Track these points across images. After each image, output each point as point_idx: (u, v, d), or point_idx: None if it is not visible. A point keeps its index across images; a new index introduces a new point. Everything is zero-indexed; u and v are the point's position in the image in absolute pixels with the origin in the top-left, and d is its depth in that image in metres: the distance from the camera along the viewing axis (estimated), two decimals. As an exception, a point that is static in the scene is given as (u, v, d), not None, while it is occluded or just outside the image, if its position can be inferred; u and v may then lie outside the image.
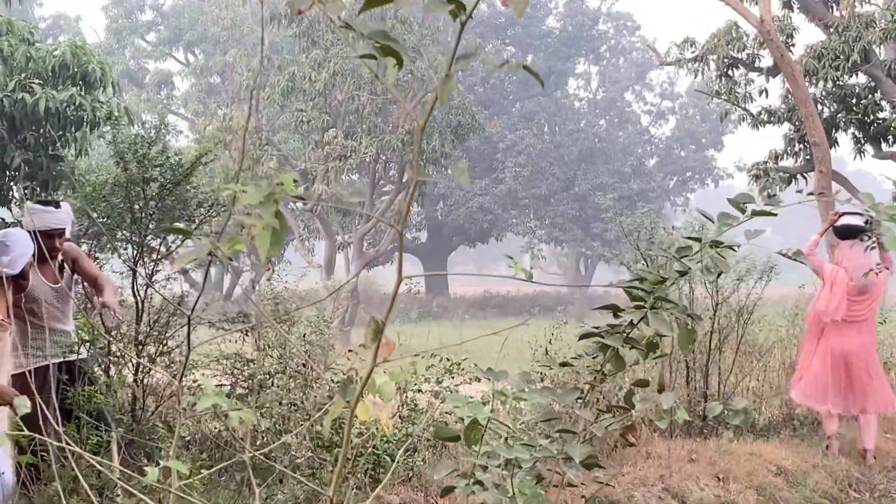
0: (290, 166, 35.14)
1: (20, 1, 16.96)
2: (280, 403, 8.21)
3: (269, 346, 9.43)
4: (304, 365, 8.86)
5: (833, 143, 22.89)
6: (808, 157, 23.11)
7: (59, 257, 7.40)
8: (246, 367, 8.94)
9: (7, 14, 16.79)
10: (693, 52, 24.76)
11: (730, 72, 24.70)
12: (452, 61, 2.68)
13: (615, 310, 3.35)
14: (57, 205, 7.49)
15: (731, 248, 3.28)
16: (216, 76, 47.93)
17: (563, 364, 3.61)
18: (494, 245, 63.39)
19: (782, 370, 12.72)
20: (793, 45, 23.26)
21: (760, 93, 24.80)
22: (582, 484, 8.21)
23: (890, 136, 23.18)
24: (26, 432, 6.18)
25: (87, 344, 7.78)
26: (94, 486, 5.98)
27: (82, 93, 15.59)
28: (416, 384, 9.18)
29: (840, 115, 22.85)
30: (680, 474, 8.87)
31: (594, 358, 3.42)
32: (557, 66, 57.57)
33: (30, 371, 7.13)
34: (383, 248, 39.66)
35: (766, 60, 24.30)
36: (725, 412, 9.31)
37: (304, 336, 9.74)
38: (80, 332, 7.72)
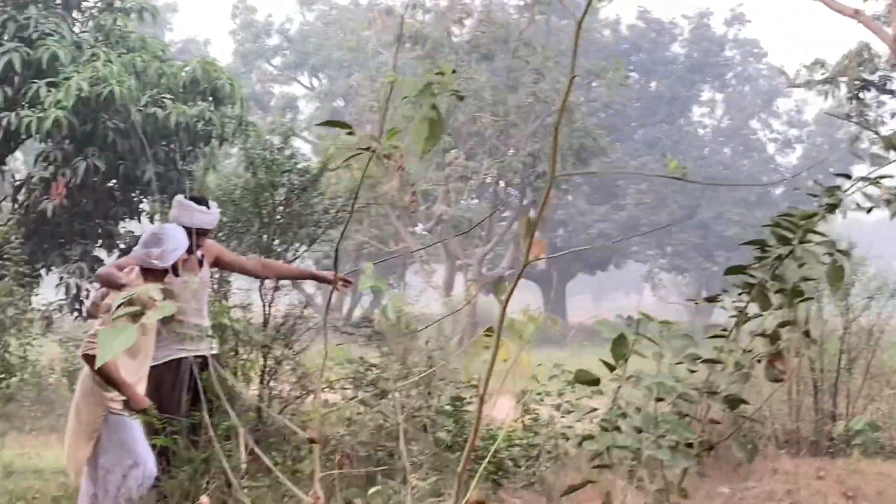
0: (409, 186, 35.35)
1: (153, 19, 17.38)
2: (403, 408, 8.23)
3: (392, 353, 9.47)
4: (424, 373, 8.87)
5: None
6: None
7: (199, 252, 7.52)
8: (369, 372, 8.99)
9: (140, 31, 17.21)
10: (823, 74, 24.35)
11: (861, 94, 24.22)
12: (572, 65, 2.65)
13: (762, 245, 3.28)
14: (208, 205, 7.63)
15: (877, 183, 3.17)
16: (340, 100, 48.52)
17: (710, 299, 3.54)
18: (614, 272, 62.92)
19: (914, 396, 12.38)
20: (927, 66, 22.75)
21: (893, 115, 24.29)
22: (708, 496, 8.09)
23: None
24: (160, 415, 6.32)
25: (216, 340, 7.89)
26: (223, 471, 6.03)
27: (212, 108, 15.93)
28: (539, 394, 9.18)
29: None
30: (808, 490, 8.67)
31: (739, 294, 3.35)
32: (682, 92, 57.05)
33: (167, 363, 7.28)
34: (501, 272, 39.59)
35: (900, 82, 23.81)
36: (849, 430, 9.08)
37: (426, 342, 9.75)
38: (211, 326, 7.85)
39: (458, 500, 3.00)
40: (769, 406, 10.54)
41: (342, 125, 2.93)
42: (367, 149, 2.58)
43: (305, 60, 52.74)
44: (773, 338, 3.26)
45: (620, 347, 3.29)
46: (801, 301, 3.25)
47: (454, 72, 2.43)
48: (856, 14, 19.66)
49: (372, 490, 5.84)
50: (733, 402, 3.31)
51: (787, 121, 63.24)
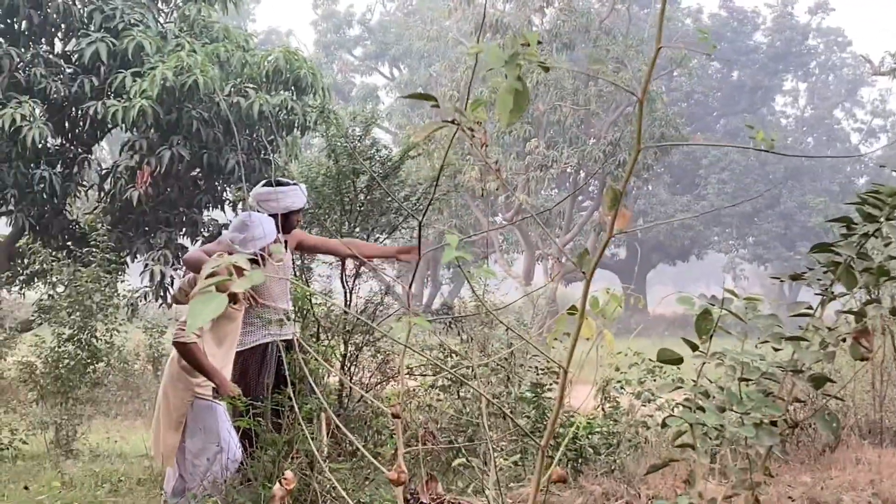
0: (491, 177, 35.34)
1: (237, 9, 17.57)
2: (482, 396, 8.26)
3: (471, 340, 9.50)
4: (506, 359, 8.90)
5: None
6: None
7: (282, 237, 7.59)
8: (449, 359, 9.04)
9: (224, 20, 17.41)
10: (909, 62, 24.01)
11: (948, 82, 23.82)
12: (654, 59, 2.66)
13: (848, 222, 3.26)
14: (288, 185, 7.75)
15: None
16: (420, 90, 48.61)
17: (794, 277, 3.53)
18: (695, 263, 62.44)
19: None
20: None
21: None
22: (789, 486, 8.03)
23: None
24: (244, 398, 6.42)
25: (299, 324, 7.99)
26: (307, 452, 6.12)
27: (294, 98, 16.07)
28: (619, 382, 9.18)
29: None
30: (891, 480, 8.56)
31: (825, 272, 3.33)
32: (764, 81, 56.45)
33: (252, 348, 7.39)
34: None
35: None
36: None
37: (506, 329, 9.75)
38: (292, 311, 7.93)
39: (540, 474, 3.03)
40: (852, 396, 10.44)
41: (427, 97, 2.97)
42: (452, 121, 2.61)
43: (386, 51, 52.95)
44: (860, 315, 3.25)
45: (705, 323, 3.29)
46: (888, 280, 3.23)
47: (540, 42, 2.45)
48: (944, 0, 19.30)
49: (457, 461, 5.88)
50: (818, 380, 3.29)
51: (871, 110, 62.31)
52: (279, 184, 7.75)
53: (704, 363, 3.31)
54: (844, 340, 3.34)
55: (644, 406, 9.10)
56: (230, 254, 6.88)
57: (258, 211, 7.52)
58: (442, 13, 41.98)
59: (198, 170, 16.32)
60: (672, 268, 61.99)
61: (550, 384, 8.51)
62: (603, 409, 8.82)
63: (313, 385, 4.81)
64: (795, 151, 53.74)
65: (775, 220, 51.22)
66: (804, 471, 8.57)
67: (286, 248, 7.75)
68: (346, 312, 8.69)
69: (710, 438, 3.10)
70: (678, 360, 3.42)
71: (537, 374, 8.73)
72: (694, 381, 3.41)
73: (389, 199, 9.26)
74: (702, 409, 3.17)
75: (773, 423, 3.18)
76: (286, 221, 7.50)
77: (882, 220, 3.19)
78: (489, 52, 2.43)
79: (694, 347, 3.35)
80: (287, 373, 6.24)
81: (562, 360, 3.07)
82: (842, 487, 8.25)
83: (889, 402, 10.71)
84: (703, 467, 3.13)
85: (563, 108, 34.92)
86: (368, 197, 9.22)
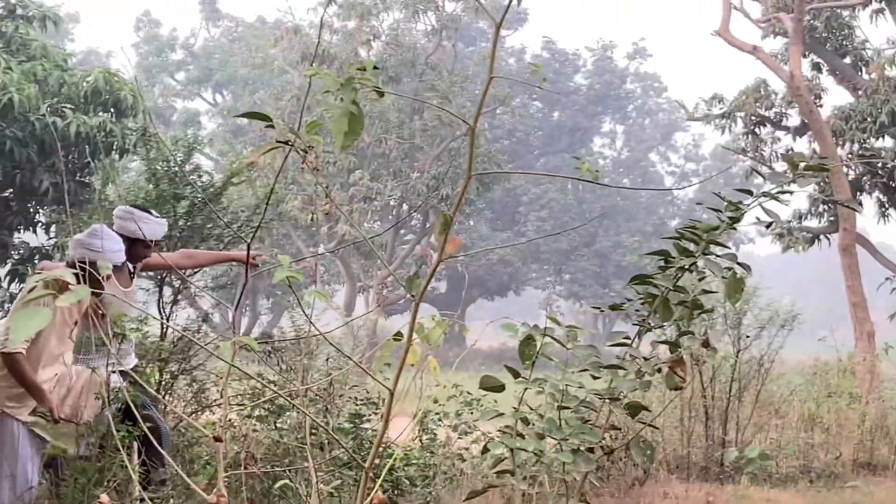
0: (314, 206, 35.20)
1: (56, 28, 17.14)
2: (301, 425, 8.20)
3: (291, 370, 9.42)
4: (325, 389, 8.86)
5: (858, 204, 22.87)
6: (832, 217, 23.13)
7: (130, 265, 7.35)
8: (267, 389, 8.94)
9: (42, 39, 16.97)
10: (721, 109, 24.86)
11: (756, 129, 24.76)
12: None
13: (666, 255, 3.37)
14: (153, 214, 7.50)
15: (784, 194, 3.29)
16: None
17: (614, 307, 3.63)
18: (513, 298, 63.27)
19: (801, 424, 12.67)
20: (821, 105, 23.36)
21: (786, 152, 24.85)
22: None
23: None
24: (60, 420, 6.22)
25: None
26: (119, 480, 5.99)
27: (113, 119, 15.73)
28: (437, 415, 9.24)
29: (865, 177, 22.87)
30: (697, 514, 8.84)
31: (642, 304, 3.43)
32: (584, 122, 57.83)
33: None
34: (402, 294, 39.67)
35: (794, 120, 24.40)
36: (742, 459, 9.29)
37: (326, 359, 9.72)
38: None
39: (363, 497, 3.03)
40: (661, 431, 10.74)
41: (262, 117, 2.95)
42: (286, 142, 2.60)
43: (209, 76, 52.38)
44: (674, 346, 3.36)
45: (528, 348, 3.35)
46: (702, 313, 3.35)
47: (376, 67, 2.47)
48: (754, 51, 20.13)
49: (279, 483, 5.82)
50: (634, 408, 3.39)
51: (684, 154, 64.46)
52: (146, 211, 7.49)
53: (526, 389, 3.37)
54: (660, 371, 3.44)
55: (461, 438, 9.18)
56: (74, 264, 6.68)
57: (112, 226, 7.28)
58: (268, 41, 41.80)
59: (10, 190, 15.82)
60: (491, 303, 62.65)
61: (369, 415, 8.50)
62: (420, 441, 8.84)
63: (135, 412, 4.70)
64: (613, 192, 55.14)
65: (591, 258, 52.40)
66: (615, 503, 8.76)
67: (133, 275, 7.54)
68: (162, 339, 8.55)
69: (529, 465, 3.16)
70: (500, 388, 3.48)
71: (356, 405, 8.72)
72: (515, 408, 3.47)
73: (210, 225, 9.14)
74: (521, 435, 3.22)
75: (591, 450, 3.26)
76: (133, 248, 7.27)
77: (698, 255, 3.31)
78: (326, 77, 2.44)
79: (516, 375, 3.41)
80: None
81: (387, 386, 3.09)
82: (651, 520, 8.48)
83: (696, 437, 11.06)
84: (521, 493, 3.17)
85: (388, 140, 35.12)
86: (189, 223, 9.08)
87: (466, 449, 9.08)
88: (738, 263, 3.34)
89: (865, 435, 12.80)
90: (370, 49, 36.82)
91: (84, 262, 6.59)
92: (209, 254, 8.58)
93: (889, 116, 21.78)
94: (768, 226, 3.32)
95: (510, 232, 52.48)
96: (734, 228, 3.37)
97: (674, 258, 3.35)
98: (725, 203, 3.38)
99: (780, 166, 24.69)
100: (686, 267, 3.27)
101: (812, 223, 24.34)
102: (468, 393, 9.38)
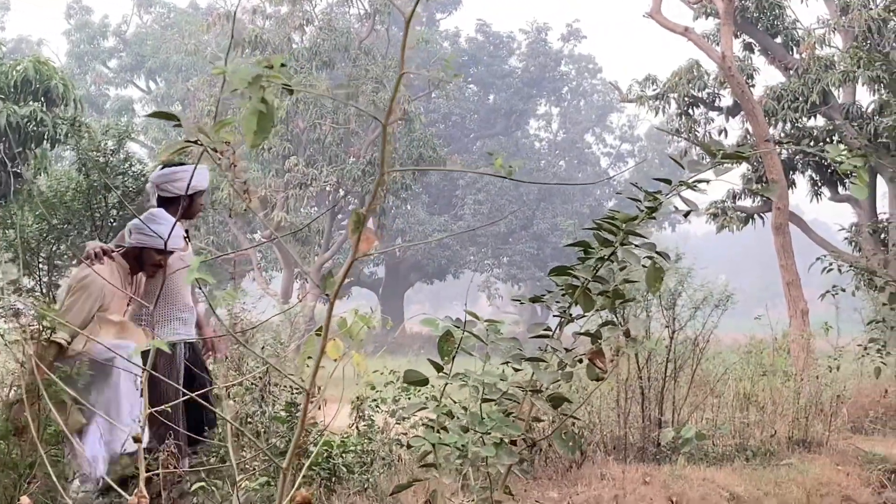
0: (248, 195, 34.90)
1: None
2: (236, 414, 8.17)
3: (226, 359, 9.37)
4: (260, 378, 8.81)
5: (791, 184, 23.14)
6: (765, 197, 23.36)
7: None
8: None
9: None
10: (654, 90, 25.02)
11: (690, 110, 24.95)
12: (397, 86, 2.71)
13: (585, 246, 3.38)
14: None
15: (695, 187, 3.31)
16: (178, 104, 47.80)
17: (534, 300, 3.63)
18: (452, 282, 63.35)
19: (736, 402, 12.78)
20: (753, 85, 23.57)
21: (720, 132, 25.09)
22: (536, 501, 8.23)
23: (846, 179, 23.47)
24: None
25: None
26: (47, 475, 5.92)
27: (44, 109, 15.54)
28: (374, 401, 9.23)
29: (798, 156, 23.13)
30: (634, 496, 8.90)
31: (563, 295, 3.44)
32: (519, 105, 57.91)
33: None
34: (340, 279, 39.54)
35: (726, 100, 24.62)
36: (677, 438, 9.37)
37: (262, 348, 9.69)
38: None
39: (282, 497, 3.02)
40: (598, 412, 10.81)
41: (169, 116, 2.92)
42: (196, 142, 2.57)
43: (142, 63, 51.83)
44: (595, 337, 3.37)
45: (447, 344, 3.35)
46: (623, 302, 3.36)
47: (284, 65, 2.45)
48: (686, 32, 20.23)
49: (196, 485, 5.78)
50: (556, 400, 3.40)
51: (619, 135, 64.80)
52: (179, 164, 7.07)
53: (447, 384, 3.38)
54: (581, 361, 3.46)
55: (398, 424, 9.18)
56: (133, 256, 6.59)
57: (159, 195, 7.00)
58: (200, 27, 41.43)
59: (-61, 181, 15.60)
60: (429, 286, 62.83)
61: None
62: (357, 428, 8.83)
63: (53, 408, 4.64)
64: (548, 174, 55.29)
65: (528, 241, 52.55)
66: (552, 487, 8.80)
67: (188, 238, 7.34)
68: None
69: (453, 458, 3.16)
70: (424, 382, 3.48)
71: (292, 394, 8.68)
72: (437, 400, 3.47)
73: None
74: (445, 428, 3.23)
75: (513, 443, 3.27)
76: (191, 204, 7.06)
77: (617, 244, 3.32)
78: (234, 73, 2.42)
79: (439, 369, 3.41)
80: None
81: (313, 380, 3.07)
82: (587, 502, 8.52)
83: (633, 418, 11.13)
84: (446, 486, 3.18)
85: (323, 126, 34.97)
86: (121, 213, 9.00)
87: (405, 434, 9.08)
88: (658, 253, 3.36)
89: (800, 412, 12.95)
90: (303, 34, 36.63)
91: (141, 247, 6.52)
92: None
93: (820, 95, 22.05)
94: (686, 214, 3.34)
95: (447, 215, 52.51)
96: (653, 218, 3.38)
97: (594, 249, 3.36)
98: (644, 193, 3.40)
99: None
100: (605, 257, 3.28)
101: (746, 203, 24.59)
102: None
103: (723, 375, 12.83)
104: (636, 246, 3.31)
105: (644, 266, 3.27)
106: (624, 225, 3.27)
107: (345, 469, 7.92)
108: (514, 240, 52.86)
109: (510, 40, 60.27)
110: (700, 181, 3.34)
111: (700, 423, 11.79)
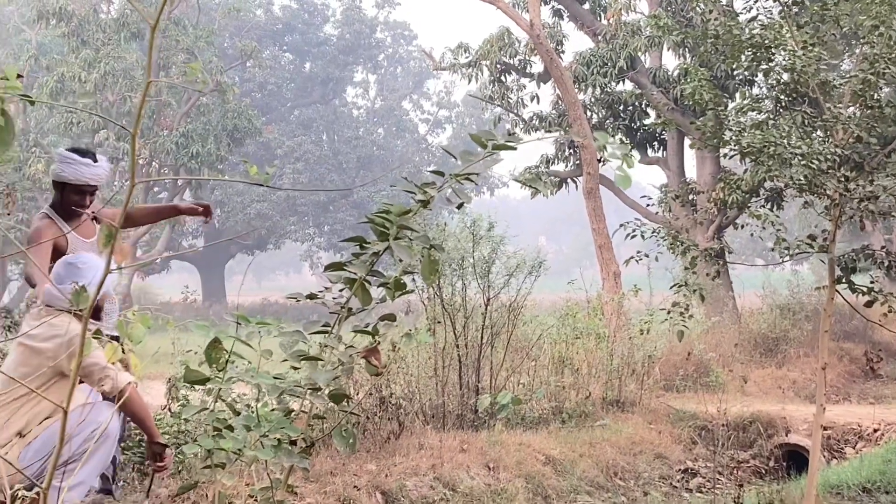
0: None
1: None
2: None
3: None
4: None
5: (601, 147, 23.54)
6: (577, 161, 23.80)
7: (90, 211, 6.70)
8: None
9: None
10: (467, 58, 25.19)
11: (502, 77, 25.22)
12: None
13: (361, 241, 3.38)
14: (94, 157, 6.76)
15: (470, 179, 3.34)
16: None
17: (310, 296, 3.61)
18: (273, 252, 62.91)
19: (552, 366, 12.99)
20: (562, 52, 23.95)
21: (532, 98, 25.43)
22: (355, 475, 8.24)
23: (655, 142, 24.08)
24: None
25: None
26: None
27: None
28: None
29: (608, 120, 23.60)
30: (451, 464, 8.99)
31: (340, 291, 3.43)
32: (336, 73, 57.62)
33: None
34: (158, 253, 38.93)
35: (538, 67, 24.93)
36: (494, 405, 9.51)
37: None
38: None
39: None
40: (417, 382, 10.86)
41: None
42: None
43: (-60, 35, 49.90)
44: (374, 333, 3.38)
45: (216, 352, 3.31)
46: (403, 294, 3.37)
47: (20, 76, 2.36)
48: (494, 0, 20.39)
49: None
50: (336, 397, 3.39)
51: (437, 102, 65.16)
52: (84, 154, 6.73)
53: (220, 390, 3.34)
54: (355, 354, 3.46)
55: (217, 402, 9.05)
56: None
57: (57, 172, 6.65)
58: (2, -1, 40.07)
59: None
60: (251, 257, 62.21)
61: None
62: (169, 409, 8.65)
63: None
64: (367, 142, 55.25)
65: (349, 210, 52.43)
66: (370, 459, 8.83)
67: (98, 220, 6.87)
68: None
69: (233, 460, 3.13)
70: (204, 381, 3.43)
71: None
72: (213, 405, 3.43)
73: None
74: (230, 427, 3.19)
75: (293, 443, 3.25)
76: (78, 197, 6.62)
77: (391, 239, 3.32)
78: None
79: (211, 364, 3.37)
80: None
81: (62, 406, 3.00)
82: (405, 473, 8.58)
83: (451, 386, 11.21)
84: (228, 487, 3.15)
85: (134, 98, 34.21)
86: None
87: (223, 411, 8.95)
88: (432, 246, 3.36)
89: (613, 373, 13.27)
90: (111, 4, 35.76)
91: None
92: (146, 210, 7.98)
93: (628, 61, 22.50)
94: (459, 206, 3.36)
95: (266, 186, 51.95)
96: (428, 208, 3.39)
97: (368, 244, 3.36)
98: (417, 186, 3.41)
99: (527, 112, 25.28)
100: (379, 252, 3.28)
101: (559, 167, 25.00)
102: (226, 351, 9.21)
103: (538, 339, 13.03)
104: (411, 238, 3.32)
105: (420, 259, 3.28)
106: (397, 219, 3.27)
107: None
108: (334, 208, 52.68)
109: (325, 7, 59.96)
110: (470, 174, 3.36)
111: (517, 388, 11.97)
